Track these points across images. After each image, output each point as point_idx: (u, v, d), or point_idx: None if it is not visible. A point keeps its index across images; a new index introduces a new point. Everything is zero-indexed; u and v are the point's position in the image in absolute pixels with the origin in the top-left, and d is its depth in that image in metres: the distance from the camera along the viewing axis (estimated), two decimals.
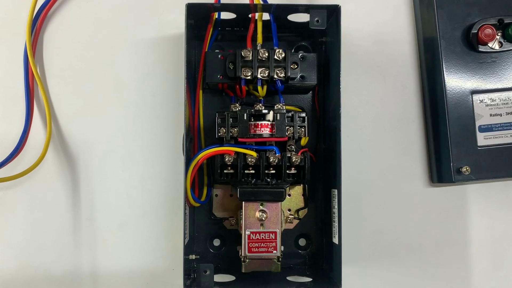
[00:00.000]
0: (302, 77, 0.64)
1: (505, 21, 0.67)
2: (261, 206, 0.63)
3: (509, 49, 0.67)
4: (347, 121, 0.66)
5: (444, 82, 0.67)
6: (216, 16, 0.65)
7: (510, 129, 0.68)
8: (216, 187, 0.68)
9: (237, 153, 0.62)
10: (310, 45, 0.69)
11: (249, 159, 0.62)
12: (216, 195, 0.68)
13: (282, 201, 0.63)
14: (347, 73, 0.66)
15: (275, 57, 0.63)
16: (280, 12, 0.63)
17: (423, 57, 0.71)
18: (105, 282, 0.70)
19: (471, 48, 0.67)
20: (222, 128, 0.63)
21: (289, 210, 0.68)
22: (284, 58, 0.63)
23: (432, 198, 0.71)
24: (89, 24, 0.71)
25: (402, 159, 0.71)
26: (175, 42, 0.70)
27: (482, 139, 0.67)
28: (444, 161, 0.68)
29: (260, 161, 0.62)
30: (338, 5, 0.61)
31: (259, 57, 0.62)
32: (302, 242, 0.70)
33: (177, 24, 0.70)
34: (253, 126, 0.63)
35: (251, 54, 0.62)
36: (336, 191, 0.62)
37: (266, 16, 0.64)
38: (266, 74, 0.63)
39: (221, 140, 0.64)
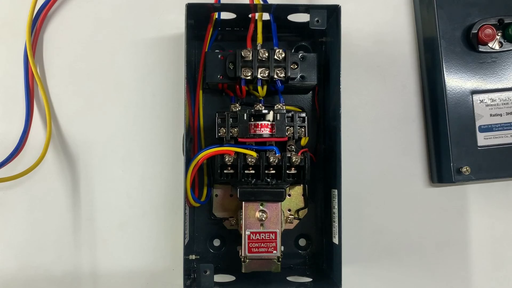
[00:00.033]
0: (302, 77, 0.64)
1: (505, 21, 0.67)
2: (261, 206, 0.63)
3: (509, 49, 0.67)
4: (347, 121, 0.66)
5: (444, 82, 0.67)
6: (216, 16, 0.65)
7: (510, 129, 0.68)
8: (216, 187, 0.68)
9: (237, 153, 0.62)
10: (310, 45, 0.69)
11: (249, 159, 0.62)
12: (216, 195, 0.68)
13: (282, 201, 0.63)
14: (347, 73, 0.66)
15: (275, 57, 0.63)
16: (280, 12, 0.63)
17: (423, 57, 0.71)
18: (105, 282, 0.70)
19: (471, 48, 0.67)
20: (222, 128, 0.63)
21: (289, 210, 0.68)
22: (284, 58, 0.63)
23: (432, 198, 0.71)
24: (89, 24, 0.71)
25: (402, 159, 0.71)
26: (175, 42, 0.70)
27: (482, 139, 0.67)
28: (444, 161, 0.68)
29: (260, 161, 0.62)
30: (338, 5, 0.61)
31: (259, 57, 0.62)
32: (302, 242, 0.70)
33: (177, 24, 0.70)
34: (253, 126, 0.63)
35: (251, 54, 0.62)
36: (336, 191, 0.62)
37: (266, 16, 0.64)
38: (266, 74, 0.63)
39: (221, 140, 0.64)
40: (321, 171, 0.68)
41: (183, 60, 0.61)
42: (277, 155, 0.62)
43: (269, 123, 0.63)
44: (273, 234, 0.62)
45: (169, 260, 0.70)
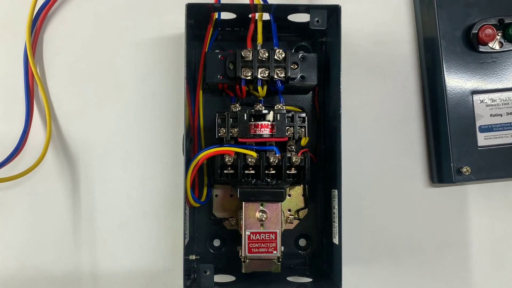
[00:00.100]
0: (302, 77, 0.64)
1: (506, 21, 0.67)
2: (261, 207, 0.63)
3: (510, 49, 0.67)
4: (347, 121, 0.66)
5: (445, 82, 0.67)
6: (216, 16, 0.65)
7: (510, 129, 0.68)
8: (216, 187, 0.68)
9: (237, 153, 0.62)
10: (310, 45, 0.69)
11: (249, 160, 0.62)
12: (216, 196, 0.68)
13: (282, 201, 0.63)
14: (347, 73, 0.66)
15: (275, 57, 0.62)
16: (280, 12, 0.63)
17: (423, 57, 0.71)
18: (105, 282, 0.70)
19: (471, 48, 0.67)
20: (222, 128, 0.63)
21: (289, 210, 0.68)
22: (284, 58, 0.63)
23: (432, 199, 0.71)
24: (89, 24, 0.71)
25: (402, 159, 0.71)
26: (175, 42, 0.70)
27: (483, 139, 0.67)
28: (445, 161, 0.68)
29: (260, 161, 0.62)
30: (338, 5, 0.61)
31: (259, 57, 0.62)
32: (302, 242, 0.70)
33: (177, 24, 0.70)
34: (253, 126, 0.63)
35: (251, 54, 0.62)
36: (336, 191, 0.62)
37: (266, 16, 0.64)
38: (266, 74, 0.63)
39: (221, 141, 0.64)
40: (321, 171, 0.68)
41: (183, 60, 0.61)
42: (277, 155, 0.62)
43: (269, 123, 0.63)
44: (273, 234, 0.62)
45: (169, 260, 0.70)
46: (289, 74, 0.63)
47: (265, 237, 0.62)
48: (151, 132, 0.70)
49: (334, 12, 0.62)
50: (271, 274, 0.64)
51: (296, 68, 0.63)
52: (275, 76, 0.63)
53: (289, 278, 0.65)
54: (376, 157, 0.71)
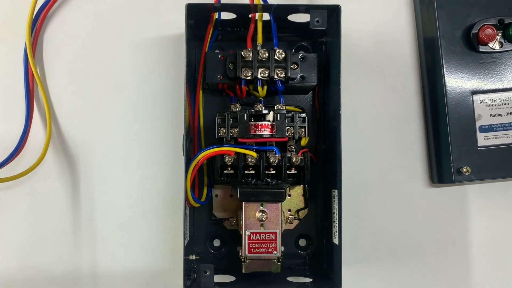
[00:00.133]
0: (302, 77, 0.64)
1: (506, 21, 0.67)
2: (261, 207, 0.63)
3: (510, 49, 0.67)
4: (347, 121, 0.66)
5: (445, 82, 0.67)
6: (216, 16, 0.65)
7: (510, 129, 0.68)
8: (216, 187, 0.68)
9: (237, 153, 0.62)
10: (310, 45, 0.69)
11: (249, 160, 0.62)
12: (216, 196, 0.68)
13: (282, 201, 0.63)
14: (347, 73, 0.66)
15: (275, 57, 0.62)
16: (280, 12, 0.63)
17: (423, 57, 0.71)
18: (105, 282, 0.70)
19: (471, 48, 0.67)
20: (222, 129, 0.63)
21: (289, 210, 0.68)
22: (284, 58, 0.63)
23: (432, 199, 0.71)
24: (89, 24, 0.71)
25: (402, 159, 0.71)
26: (175, 42, 0.70)
27: (483, 140, 0.67)
28: (445, 161, 0.68)
29: (260, 161, 0.62)
30: (338, 5, 0.61)
31: (259, 57, 0.62)
32: (302, 242, 0.70)
33: (177, 24, 0.70)
34: (253, 127, 0.63)
35: (251, 54, 0.62)
36: (336, 191, 0.62)
37: (266, 16, 0.64)
38: (266, 74, 0.63)
39: (221, 141, 0.64)
40: (321, 171, 0.68)
41: (183, 60, 0.61)
42: (277, 155, 0.62)
43: (269, 123, 0.63)
44: (273, 234, 0.62)
45: (169, 260, 0.70)
46: (289, 74, 0.63)
47: (265, 237, 0.62)
48: (151, 132, 0.70)
49: (334, 12, 0.62)
50: (271, 274, 0.64)
51: (296, 68, 0.63)
52: (275, 76, 0.63)
53: (289, 278, 0.65)
54: (376, 157, 0.71)
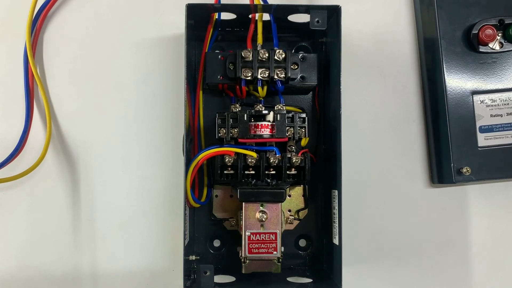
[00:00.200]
0: (302, 77, 0.64)
1: (506, 22, 0.67)
2: (261, 207, 0.63)
3: (510, 49, 0.67)
4: (347, 122, 0.66)
5: (445, 83, 0.67)
6: (216, 17, 0.65)
7: (510, 129, 0.68)
8: (216, 187, 0.68)
9: (237, 153, 0.62)
10: (310, 45, 0.69)
11: (249, 160, 0.62)
12: (216, 196, 0.68)
13: (282, 202, 0.63)
14: (347, 74, 0.66)
15: (275, 57, 0.62)
16: (280, 12, 0.63)
17: (424, 58, 0.71)
18: (105, 282, 0.70)
19: (471, 49, 0.67)
20: (222, 129, 0.63)
21: (289, 211, 0.68)
22: (284, 58, 0.63)
23: (432, 199, 0.71)
24: (89, 24, 0.71)
25: (402, 159, 0.71)
26: (175, 43, 0.70)
27: (483, 140, 0.67)
28: (445, 161, 0.68)
29: (260, 161, 0.62)
30: (339, 6, 0.61)
31: (259, 58, 0.62)
32: (302, 243, 0.70)
33: (177, 24, 0.70)
34: (253, 127, 0.63)
35: (251, 55, 0.62)
36: (336, 191, 0.62)
37: (266, 16, 0.64)
38: (266, 74, 0.63)
39: (221, 141, 0.64)
40: (321, 171, 0.68)
41: (183, 61, 0.61)
42: (277, 155, 0.62)
43: (269, 123, 0.63)
44: (273, 234, 0.62)
45: (169, 261, 0.70)
46: (289, 75, 0.63)
47: (265, 237, 0.62)
48: (151, 132, 0.70)
49: (334, 12, 0.62)
50: (271, 275, 0.64)
51: (296, 68, 0.63)
52: (275, 77, 0.63)
53: (289, 279, 0.65)
54: (376, 158, 0.71)
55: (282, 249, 0.63)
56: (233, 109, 0.64)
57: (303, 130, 0.64)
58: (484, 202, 0.71)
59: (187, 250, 0.63)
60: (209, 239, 0.69)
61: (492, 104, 0.68)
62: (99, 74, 0.71)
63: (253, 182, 0.63)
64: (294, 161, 0.62)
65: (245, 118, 0.63)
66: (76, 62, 0.71)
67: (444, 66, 0.67)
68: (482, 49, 0.67)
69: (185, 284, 0.60)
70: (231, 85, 0.64)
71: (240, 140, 0.63)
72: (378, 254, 0.70)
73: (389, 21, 0.71)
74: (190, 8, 0.61)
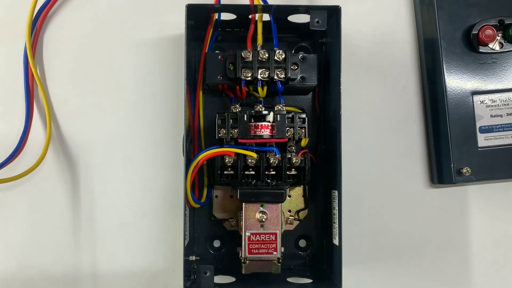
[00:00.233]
0: (302, 78, 0.64)
1: (506, 22, 0.67)
2: (261, 207, 0.63)
3: (510, 50, 0.67)
4: (348, 122, 0.66)
5: (445, 83, 0.67)
6: (216, 17, 0.65)
7: (510, 130, 0.68)
8: (216, 188, 0.68)
9: (237, 154, 0.62)
10: (310, 46, 0.69)
11: (249, 160, 0.62)
12: (216, 196, 0.68)
13: (282, 202, 0.63)
14: (347, 74, 0.66)
15: (275, 58, 0.62)
16: (280, 13, 0.63)
17: (424, 58, 0.70)
18: (105, 282, 0.70)
19: (471, 49, 0.67)
20: (222, 129, 0.63)
21: (289, 211, 0.68)
22: (284, 59, 0.63)
23: (432, 199, 0.71)
24: (89, 25, 0.71)
25: (402, 160, 0.71)
26: (175, 43, 0.70)
27: (483, 140, 0.67)
28: (445, 162, 0.68)
29: (260, 162, 0.62)
30: (339, 6, 0.61)
31: (259, 58, 0.62)
32: (302, 243, 0.70)
33: (177, 24, 0.70)
34: (253, 127, 0.63)
35: (251, 55, 0.62)
36: (336, 192, 0.62)
37: (266, 17, 0.64)
38: (266, 75, 0.63)
39: (221, 141, 0.64)
40: (321, 172, 0.68)
41: (183, 61, 0.61)
42: (277, 156, 0.62)
43: (269, 124, 0.63)
44: (273, 235, 0.62)
45: (169, 261, 0.70)
46: (289, 75, 0.63)
47: (265, 238, 0.62)
48: (151, 132, 0.70)
49: (334, 12, 0.62)
50: (271, 275, 0.64)
51: (296, 68, 0.63)
52: (275, 77, 0.63)
53: (289, 279, 0.65)
54: (376, 158, 0.71)
55: (282, 249, 0.63)
56: (233, 109, 0.64)
57: (303, 130, 0.64)
58: (484, 202, 0.71)
59: (187, 251, 0.63)
60: (209, 240, 0.69)
61: (492, 104, 0.68)
62: (99, 74, 0.71)
63: (253, 182, 0.63)
64: (294, 161, 0.62)
65: (245, 119, 0.63)
66: (76, 62, 0.71)
67: (444, 66, 0.67)
68: (482, 49, 0.67)
69: (185, 285, 0.60)
70: (231, 85, 0.64)
71: (240, 140, 0.63)
72: (378, 254, 0.70)
73: (389, 22, 0.71)
74: (190, 9, 0.61)
